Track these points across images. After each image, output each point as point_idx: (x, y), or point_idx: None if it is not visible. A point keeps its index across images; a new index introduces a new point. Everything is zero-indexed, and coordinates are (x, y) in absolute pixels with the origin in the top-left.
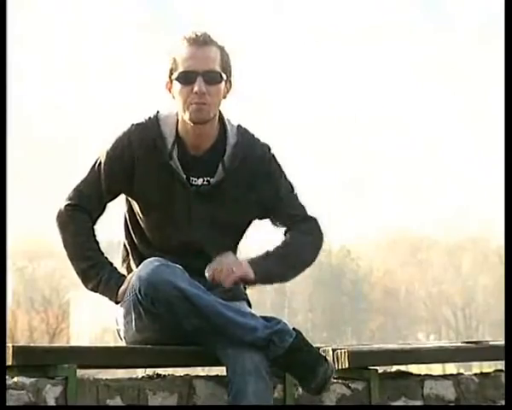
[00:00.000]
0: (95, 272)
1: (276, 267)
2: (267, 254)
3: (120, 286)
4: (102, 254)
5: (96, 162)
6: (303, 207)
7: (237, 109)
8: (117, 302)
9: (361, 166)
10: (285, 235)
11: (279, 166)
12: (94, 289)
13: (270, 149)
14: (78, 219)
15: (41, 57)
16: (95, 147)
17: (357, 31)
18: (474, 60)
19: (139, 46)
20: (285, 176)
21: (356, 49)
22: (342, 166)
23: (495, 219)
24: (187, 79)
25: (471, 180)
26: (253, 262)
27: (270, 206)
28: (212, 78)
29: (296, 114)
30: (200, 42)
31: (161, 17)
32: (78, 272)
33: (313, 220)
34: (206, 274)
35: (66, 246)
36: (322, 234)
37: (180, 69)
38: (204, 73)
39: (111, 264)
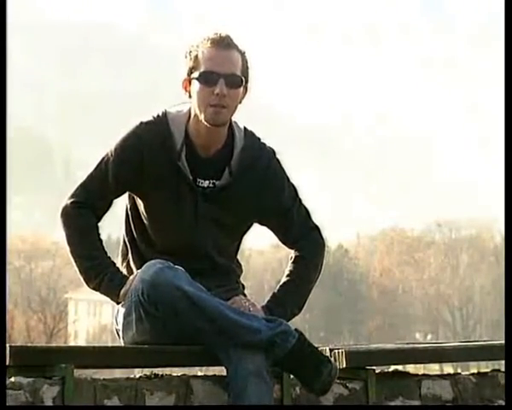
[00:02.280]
0: (98, 271)
1: (288, 309)
2: (278, 296)
3: (122, 287)
4: (106, 253)
5: (103, 159)
6: (306, 215)
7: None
8: (118, 303)
9: (359, 167)
10: (293, 264)
11: (283, 171)
12: (96, 288)
13: (275, 154)
14: (83, 216)
15: (40, 54)
16: (94, 145)
17: (357, 31)
18: (474, 59)
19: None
20: (289, 181)
21: (355, 49)
22: (341, 166)
23: (492, 220)
24: (209, 79)
25: (468, 181)
26: (267, 308)
27: (273, 212)
28: (233, 81)
29: (296, 115)
30: (224, 44)
31: (161, 16)
32: (80, 271)
33: (315, 232)
34: None
35: (70, 243)
36: (324, 244)
37: (202, 69)
38: (226, 76)
39: (114, 264)
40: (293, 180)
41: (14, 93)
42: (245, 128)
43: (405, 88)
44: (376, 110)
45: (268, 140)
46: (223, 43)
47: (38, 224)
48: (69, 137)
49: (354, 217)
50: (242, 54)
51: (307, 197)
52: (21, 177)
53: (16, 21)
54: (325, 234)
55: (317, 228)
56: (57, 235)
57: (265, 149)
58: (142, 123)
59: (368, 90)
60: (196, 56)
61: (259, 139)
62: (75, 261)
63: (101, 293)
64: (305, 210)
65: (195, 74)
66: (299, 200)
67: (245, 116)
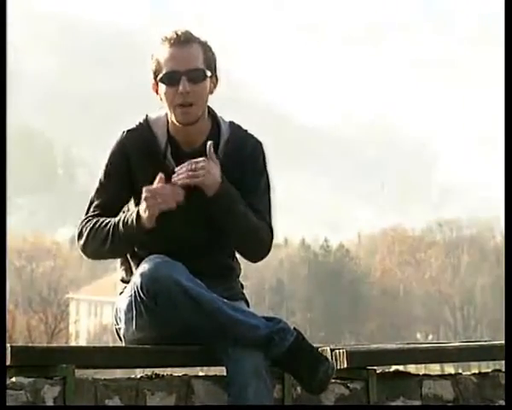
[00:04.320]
0: (109, 224)
1: (241, 207)
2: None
3: (138, 210)
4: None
5: (99, 179)
6: (267, 211)
7: (235, 106)
8: (146, 230)
9: (359, 167)
10: None
11: (265, 164)
12: (115, 240)
13: (261, 145)
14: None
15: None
16: (94, 145)
17: (357, 31)
18: (474, 59)
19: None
20: (268, 177)
21: (355, 49)
22: (342, 166)
23: (493, 220)
24: (171, 79)
25: (469, 181)
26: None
27: (245, 195)
28: (195, 76)
29: (296, 115)
30: (182, 41)
31: (161, 16)
32: (101, 245)
33: (268, 227)
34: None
35: (88, 245)
36: (269, 241)
37: (163, 71)
38: (187, 73)
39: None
40: (293, 180)
41: (14, 93)
42: (230, 122)
43: (405, 88)
44: (376, 110)
45: (267, 140)
46: (180, 40)
47: (39, 224)
48: (69, 137)
49: (355, 217)
50: (204, 45)
51: (307, 197)
52: (21, 177)
53: (16, 21)
54: (326, 234)
55: (270, 227)
56: (58, 235)
57: (252, 139)
58: (124, 131)
59: (368, 90)
60: (158, 59)
61: (246, 131)
62: (97, 249)
63: (124, 238)
64: (268, 207)
65: (159, 76)
66: (269, 197)
67: (244, 116)
